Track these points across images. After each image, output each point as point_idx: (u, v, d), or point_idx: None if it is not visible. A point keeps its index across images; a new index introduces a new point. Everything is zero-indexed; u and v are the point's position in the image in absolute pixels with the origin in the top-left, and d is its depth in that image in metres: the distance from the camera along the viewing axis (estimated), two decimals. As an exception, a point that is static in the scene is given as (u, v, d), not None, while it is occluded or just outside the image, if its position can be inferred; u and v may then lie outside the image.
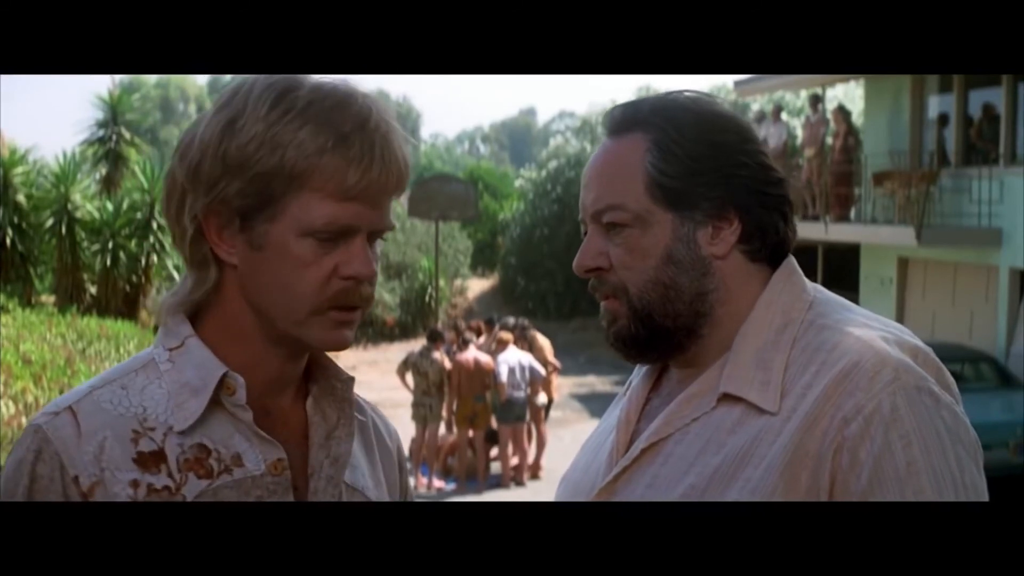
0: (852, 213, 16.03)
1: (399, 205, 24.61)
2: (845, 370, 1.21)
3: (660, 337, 1.31)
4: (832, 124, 16.31)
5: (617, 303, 1.32)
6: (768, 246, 1.33)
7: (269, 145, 1.14)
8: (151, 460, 1.15)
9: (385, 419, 1.42)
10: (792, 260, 1.36)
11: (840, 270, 16.97)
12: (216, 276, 1.21)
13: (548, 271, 26.05)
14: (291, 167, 1.14)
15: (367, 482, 1.30)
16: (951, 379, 1.26)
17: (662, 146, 1.29)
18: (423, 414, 11.13)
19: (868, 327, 1.27)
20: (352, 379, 1.30)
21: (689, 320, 1.30)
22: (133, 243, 17.98)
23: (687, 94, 1.34)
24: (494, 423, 11.27)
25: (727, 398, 1.27)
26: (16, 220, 17.95)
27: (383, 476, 1.35)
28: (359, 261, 1.18)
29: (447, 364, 11.20)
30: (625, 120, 1.33)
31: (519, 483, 11.21)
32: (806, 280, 1.35)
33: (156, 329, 1.26)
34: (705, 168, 1.29)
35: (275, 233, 1.17)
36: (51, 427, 1.15)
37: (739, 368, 1.28)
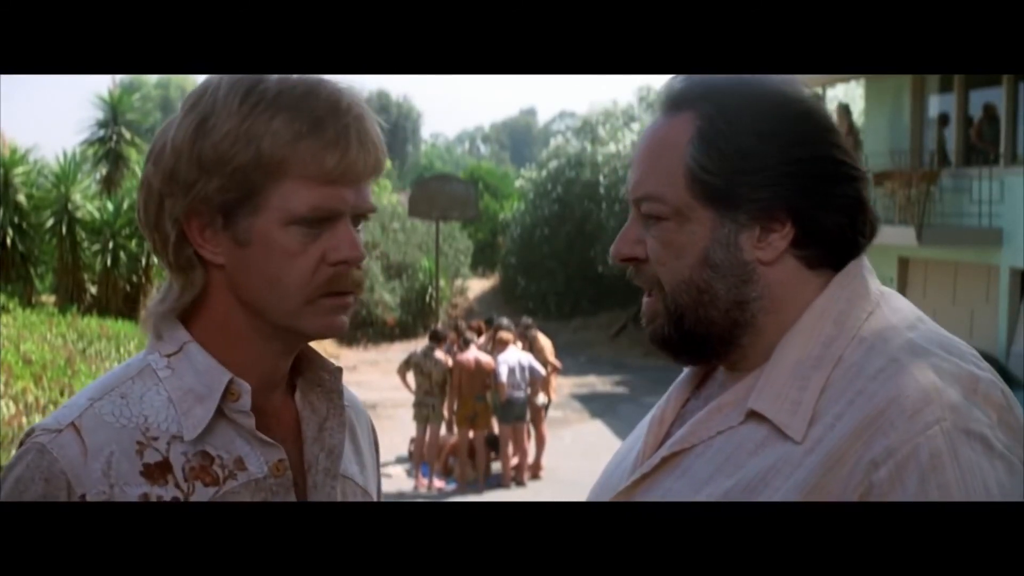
0: (852, 213, 16.01)
1: (399, 205, 24.62)
2: (880, 405, 1.05)
3: (693, 342, 1.20)
4: (833, 124, 16.30)
5: (654, 301, 1.22)
6: (831, 252, 1.17)
7: (244, 139, 1.13)
8: (158, 471, 1.13)
9: (355, 398, 1.40)
10: (860, 263, 1.19)
11: (840, 270, 16.95)
12: (203, 278, 1.19)
13: (549, 271, 26.07)
14: (268, 157, 1.13)
15: (354, 468, 1.31)
16: (1018, 420, 1.08)
17: (706, 136, 1.15)
18: (425, 414, 11.13)
19: (925, 352, 1.10)
20: (340, 369, 1.30)
21: (725, 329, 1.18)
22: (134, 243, 17.98)
23: (752, 76, 1.20)
24: (495, 424, 11.28)
25: (755, 415, 1.14)
26: (17, 220, 17.96)
27: (366, 459, 1.35)
28: (347, 245, 1.17)
29: (450, 364, 11.21)
30: (678, 97, 1.19)
31: (519, 483, 11.20)
32: (874, 285, 1.18)
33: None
34: (753, 165, 1.14)
35: (259, 226, 1.15)
36: (55, 445, 1.12)
37: (772, 383, 1.14)
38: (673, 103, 1.20)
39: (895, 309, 1.17)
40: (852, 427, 1.06)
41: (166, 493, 1.13)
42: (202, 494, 1.14)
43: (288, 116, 1.14)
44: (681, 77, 1.21)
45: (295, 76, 1.17)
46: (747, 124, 1.15)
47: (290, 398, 1.27)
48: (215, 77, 1.18)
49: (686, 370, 1.30)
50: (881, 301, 1.17)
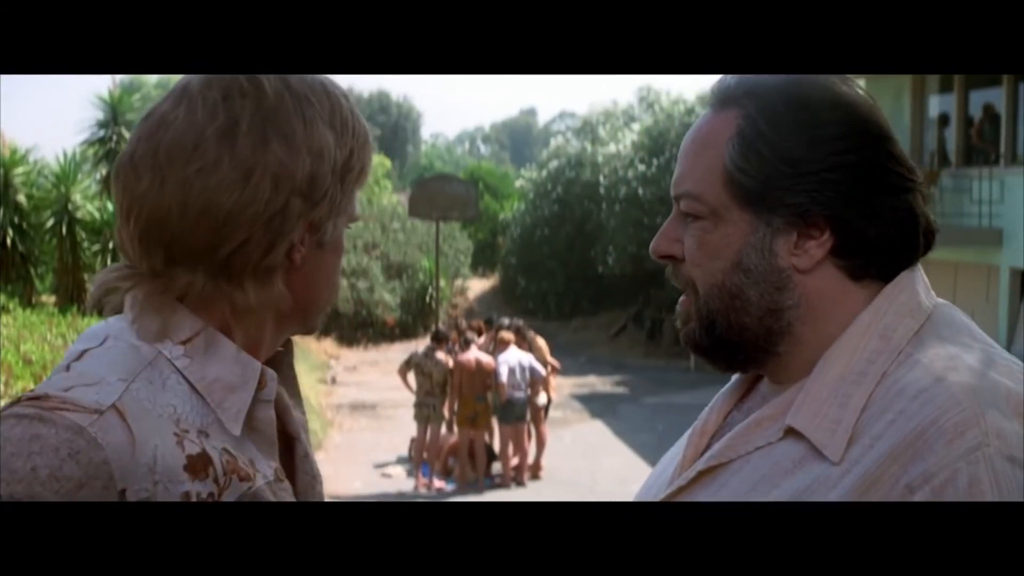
0: (853, 213, 16.03)
1: (399, 206, 24.60)
2: (920, 428, 1.00)
3: (726, 348, 1.16)
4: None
5: (689, 302, 1.17)
6: (875, 263, 1.12)
7: (361, 147, 1.15)
8: (200, 464, 1.04)
9: None
10: (912, 274, 1.13)
11: (841, 270, 16.97)
12: (284, 281, 1.11)
13: (549, 271, 26.10)
14: (363, 164, 1.16)
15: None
16: None
17: (746, 136, 1.11)
18: (426, 414, 11.14)
19: (973, 372, 1.04)
20: (292, 341, 1.25)
21: (758, 337, 1.13)
22: (134, 243, 17.96)
23: (804, 76, 1.16)
24: (495, 426, 11.29)
25: (794, 431, 1.09)
26: (17, 220, 17.96)
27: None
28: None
29: (451, 364, 11.21)
30: (725, 94, 1.16)
31: (519, 483, 11.20)
32: (927, 298, 1.13)
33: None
34: (792, 168, 1.10)
35: (338, 228, 1.15)
36: (100, 431, 0.97)
37: (812, 399, 1.09)
38: (720, 99, 1.16)
39: (948, 324, 1.11)
40: (890, 449, 1.01)
41: (204, 489, 1.04)
42: (236, 489, 1.06)
43: (366, 124, 1.18)
44: (729, 76, 1.18)
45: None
46: (789, 126, 1.11)
47: None
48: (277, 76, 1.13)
49: (732, 380, 1.26)
50: (934, 314, 1.11)
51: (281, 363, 1.21)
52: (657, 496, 1.20)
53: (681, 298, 1.19)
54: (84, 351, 1.08)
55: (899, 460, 1.00)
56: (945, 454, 0.98)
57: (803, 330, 1.12)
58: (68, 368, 1.06)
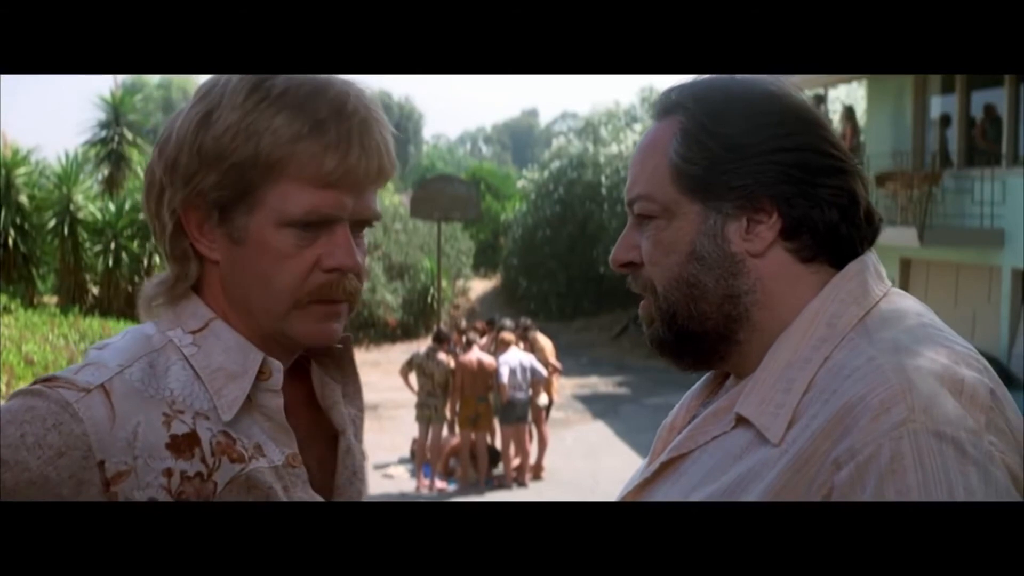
0: (854, 214, 16.01)
1: (401, 207, 24.62)
2: (849, 404, 1.02)
3: (689, 341, 1.18)
4: (836, 124, 16.32)
5: (648, 303, 1.21)
6: (822, 245, 1.14)
7: (244, 134, 1.11)
8: (184, 443, 1.11)
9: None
10: (861, 263, 1.16)
11: (842, 271, 16.95)
12: (197, 271, 1.18)
13: (550, 272, 26.09)
14: (266, 155, 1.11)
15: (358, 442, 1.31)
16: (1011, 423, 1.03)
17: (688, 131, 1.16)
18: (427, 415, 11.13)
19: (907, 351, 1.05)
20: (349, 336, 1.27)
21: (719, 324, 1.16)
22: (135, 243, 18.02)
23: (739, 76, 1.20)
24: (496, 427, 11.28)
25: (743, 419, 1.12)
26: (18, 221, 17.99)
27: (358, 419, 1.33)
28: (342, 252, 1.15)
29: (453, 365, 11.21)
30: (665, 102, 1.21)
31: (521, 484, 11.20)
32: (876, 286, 1.15)
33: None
34: (735, 153, 1.13)
35: (254, 225, 1.13)
36: (83, 406, 1.08)
37: (760, 386, 1.12)
38: (662, 109, 1.21)
39: (895, 309, 1.13)
40: (821, 427, 1.04)
41: (190, 468, 1.10)
42: (227, 471, 1.12)
43: (290, 115, 1.12)
44: (669, 87, 1.22)
45: (306, 75, 1.15)
46: (729, 117, 1.15)
47: (303, 381, 1.26)
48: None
49: (702, 378, 1.29)
50: (882, 301, 1.13)
51: (341, 358, 1.28)
52: (627, 490, 1.23)
53: (641, 303, 1.22)
54: (107, 344, 1.19)
55: (830, 436, 1.03)
56: (870, 430, 1.00)
57: (760, 316, 1.15)
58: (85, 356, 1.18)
